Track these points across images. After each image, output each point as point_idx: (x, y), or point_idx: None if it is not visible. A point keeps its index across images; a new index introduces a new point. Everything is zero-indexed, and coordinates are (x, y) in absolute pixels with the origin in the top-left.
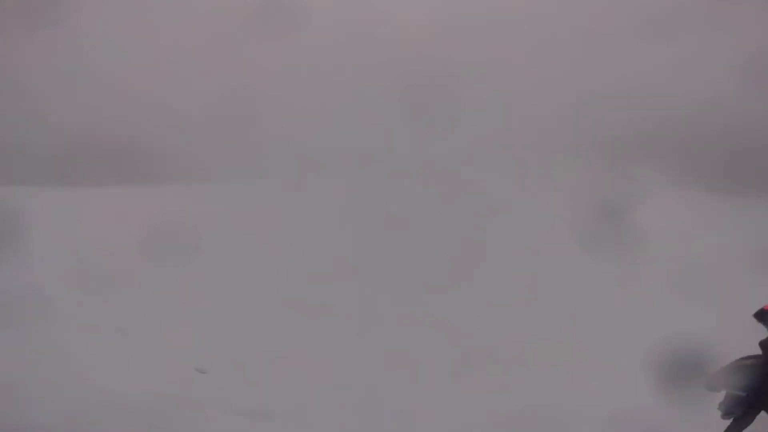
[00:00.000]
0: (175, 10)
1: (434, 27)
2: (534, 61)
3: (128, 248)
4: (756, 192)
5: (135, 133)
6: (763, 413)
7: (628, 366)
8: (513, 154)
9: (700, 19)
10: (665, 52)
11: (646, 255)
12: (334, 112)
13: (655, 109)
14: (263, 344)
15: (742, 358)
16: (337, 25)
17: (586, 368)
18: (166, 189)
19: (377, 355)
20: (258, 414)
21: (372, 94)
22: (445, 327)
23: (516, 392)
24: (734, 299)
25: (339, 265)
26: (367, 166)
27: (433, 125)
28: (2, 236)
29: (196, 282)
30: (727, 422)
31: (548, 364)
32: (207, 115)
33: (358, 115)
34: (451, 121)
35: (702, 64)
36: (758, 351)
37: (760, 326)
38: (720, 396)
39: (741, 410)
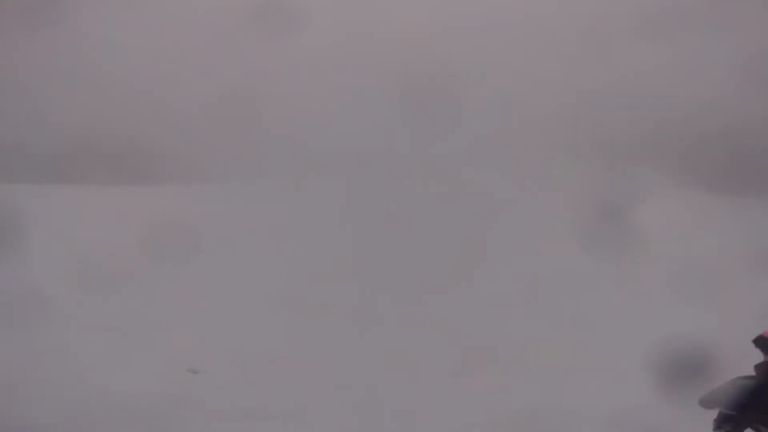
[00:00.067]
0: (175, 10)
1: (434, 27)
2: (534, 61)
3: (128, 248)
4: (756, 192)
5: (135, 133)
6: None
7: (628, 366)
8: (513, 154)
9: (700, 19)
10: (665, 52)
11: (646, 255)
12: (334, 112)
13: (655, 109)
14: (263, 344)
15: (737, 378)
16: (337, 25)
17: (586, 368)
18: (167, 189)
19: (377, 355)
20: (258, 414)
21: (372, 94)
22: (445, 327)
23: (516, 392)
24: (734, 299)
25: (339, 265)
26: (367, 166)
27: (433, 125)
28: (2, 235)
29: (196, 282)
30: None
31: (548, 364)
32: (207, 115)
33: (358, 115)
34: (451, 121)
35: (702, 64)
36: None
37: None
38: (714, 413)
39: (730, 427)
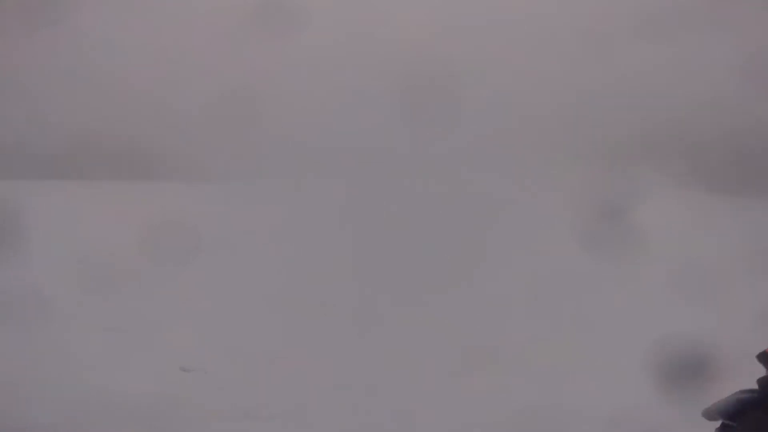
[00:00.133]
0: (175, 10)
1: (434, 27)
2: (534, 61)
3: (128, 248)
4: (756, 192)
5: (135, 132)
6: None
7: (628, 366)
8: (513, 154)
9: (700, 19)
10: (665, 52)
11: (646, 255)
12: (334, 112)
13: (655, 109)
14: (263, 344)
15: (740, 391)
16: (337, 25)
17: (586, 368)
18: (167, 188)
19: (377, 355)
20: (258, 414)
21: (372, 94)
22: (445, 327)
23: (516, 392)
24: (734, 299)
25: (339, 265)
26: (367, 166)
27: (433, 125)
28: (2, 234)
29: (196, 282)
30: None
31: (548, 364)
32: (207, 115)
33: (358, 115)
34: (451, 121)
35: (702, 64)
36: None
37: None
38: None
39: None
